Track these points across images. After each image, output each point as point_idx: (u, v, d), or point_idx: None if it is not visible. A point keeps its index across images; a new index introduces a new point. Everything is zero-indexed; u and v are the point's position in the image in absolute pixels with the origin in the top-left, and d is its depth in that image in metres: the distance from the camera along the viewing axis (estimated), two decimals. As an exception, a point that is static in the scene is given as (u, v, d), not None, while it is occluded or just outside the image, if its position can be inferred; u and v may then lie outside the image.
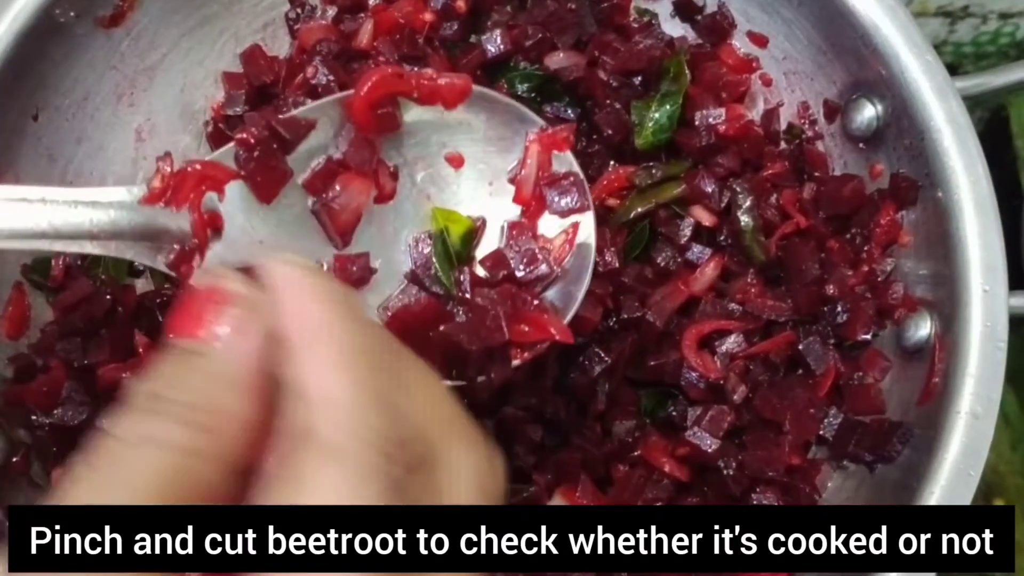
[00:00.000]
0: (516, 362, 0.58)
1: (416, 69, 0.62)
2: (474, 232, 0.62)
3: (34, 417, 0.65)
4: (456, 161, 0.63)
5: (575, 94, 0.73)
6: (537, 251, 0.61)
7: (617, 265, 0.67)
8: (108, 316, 0.68)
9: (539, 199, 0.62)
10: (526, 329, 0.58)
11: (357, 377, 0.34)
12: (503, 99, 0.63)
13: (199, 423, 0.34)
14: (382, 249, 0.60)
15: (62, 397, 0.64)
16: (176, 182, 0.55)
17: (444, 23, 0.73)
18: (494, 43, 0.72)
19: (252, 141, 0.57)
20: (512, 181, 0.63)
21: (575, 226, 0.62)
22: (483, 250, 0.62)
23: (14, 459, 0.64)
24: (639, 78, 0.72)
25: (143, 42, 0.72)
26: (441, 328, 0.57)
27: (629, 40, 0.73)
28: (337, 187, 0.59)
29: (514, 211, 0.63)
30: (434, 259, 0.61)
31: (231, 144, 0.58)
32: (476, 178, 0.63)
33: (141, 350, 0.67)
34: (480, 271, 0.61)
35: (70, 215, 0.51)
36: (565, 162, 0.63)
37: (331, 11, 0.75)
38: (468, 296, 0.59)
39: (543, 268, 0.60)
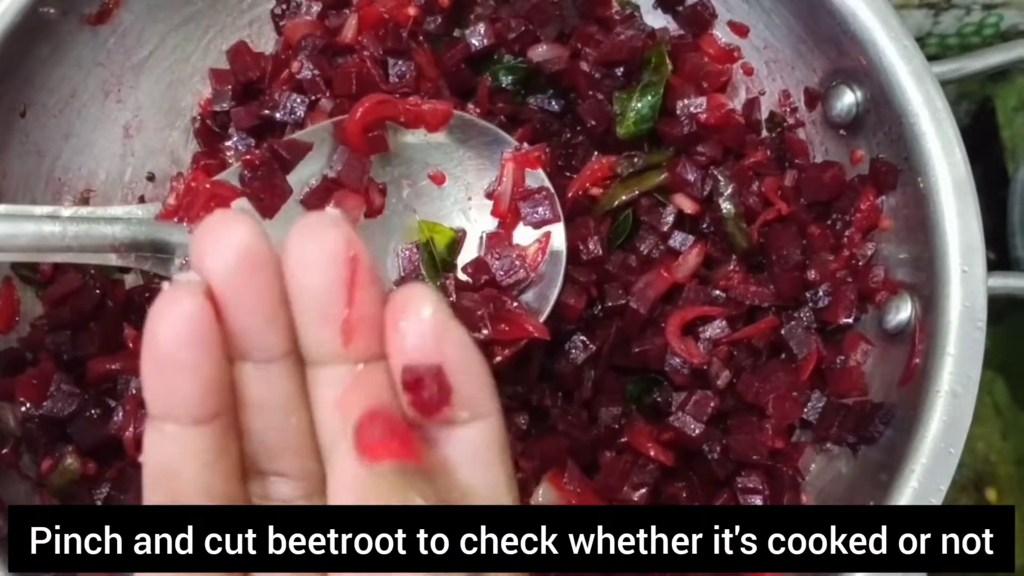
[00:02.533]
0: (498, 359, 0.62)
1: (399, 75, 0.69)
2: (457, 241, 0.67)
3: (24, 409, 0.65)
4: (438, 178, 0.68)
5: (558, 86, 0.73)
6: (514, 258, 0.65)
7: (601, 253, 0.68)
8: (97, 310, 0.68)
9: (514, 212, 0.67)
10: (506, 328, 0.62)
11: None
12: (480, 122, 0.68)
13: None
14: (372, 259, 0.64)
15: (52, 389, 0.65)
16: (188, 200, 0.61)
17: (428, 17, 0.74)
18: (478, 36, 0.73)
19: (256, 162, 0.62)
20: (489, 196, 0.68)
21: (547, 236, 0.66)
22: (463, 259, 0.67)
23: (4, 451, 0.64)
24: (621, 69, 0.73)
25: (129, 39, 0.73)
26: None
27: (611, 32, 0.74)
28: (332, 203, 0.64)
29: (491, 223, 0.67)
30: (422, 266, 0.65)
31: (237, 165, 0.63)
32: (457, 193, 0.68)
33: (131, 343, 0.68)
34: (463, 277, 0.65)
35: (93, 231, 0.56)
36: (537, 179, 0.67)
37: (316, 7, 0.76)
38: (453, 299, 0.63)
39: (520, 273, 0.65)
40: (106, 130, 0.74)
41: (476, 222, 0.67)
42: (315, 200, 0.64)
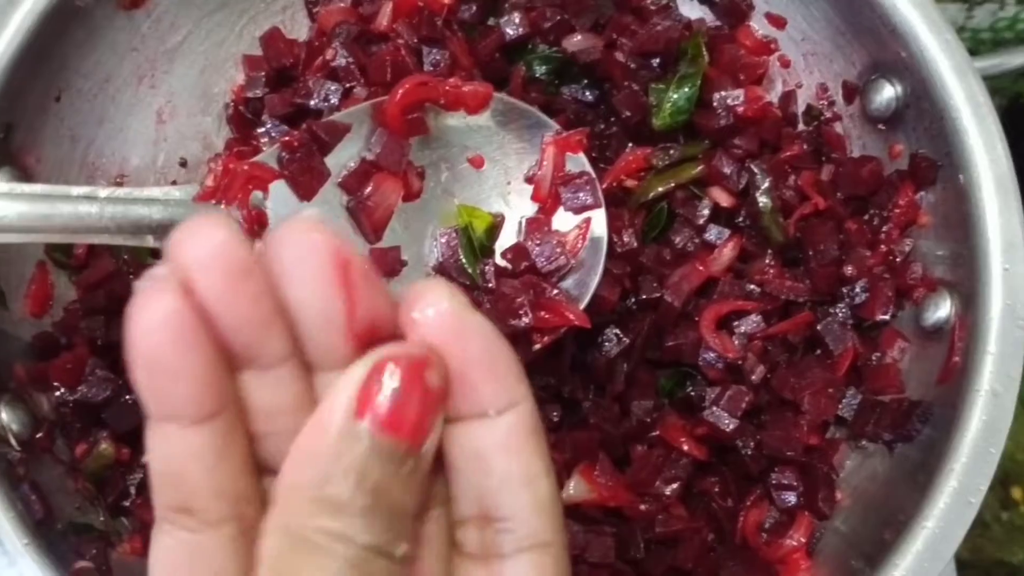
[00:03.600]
0: (537, 346, 0.62)
1: (439, 56, 0.69)
2: (496, 226, 0.66)
3: (58, 394, 0.65)
4: (477, 162, 0.67)
5: (593, 76, 0.73)
6: (555, 244, 0.64)
7: (635, 246, 0.67)
8: (131, 294, 0.68)
9: (554, 197, 0.66)
10: (546, 315, 0.62)
11: None
12: (521, 105, 0.67)
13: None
14: (410, 243, 0.65)
15: (86, 374, 0.65)
16: (226, 182, 0.60)
17: (462, 5, 0.73)
18: (512, 26, 0.72)
19: (295, 144, 0.62)
20: (529, 180, 0.67)
21: (587, 221, 0.65)
22: (501, 245, 0.66)
23: (38, 435, 0.64)
24: (657, 60, 0.72)
25: (164, 24, 0.72)
26: None
27: (647, 22, 0.73)
28: (371, 186, 0.63)
29: (531, 208, 0.66)
30: (460, 252, 0.64)
31: (275, 147, 0.63)
32: (496, 178, 0.67)
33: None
34: (502, 262, 0.65)
35: (131, 212, 0.56)
36: (578, 163, 0.66)
37: (350, -7, 0.76)
38: (492, 286, 0.63)
39: (561, 260, 0.64)
40: (139, 115, 0.74)
41: (515, 207, 0.66)
42: (353, 183, 0.63)
